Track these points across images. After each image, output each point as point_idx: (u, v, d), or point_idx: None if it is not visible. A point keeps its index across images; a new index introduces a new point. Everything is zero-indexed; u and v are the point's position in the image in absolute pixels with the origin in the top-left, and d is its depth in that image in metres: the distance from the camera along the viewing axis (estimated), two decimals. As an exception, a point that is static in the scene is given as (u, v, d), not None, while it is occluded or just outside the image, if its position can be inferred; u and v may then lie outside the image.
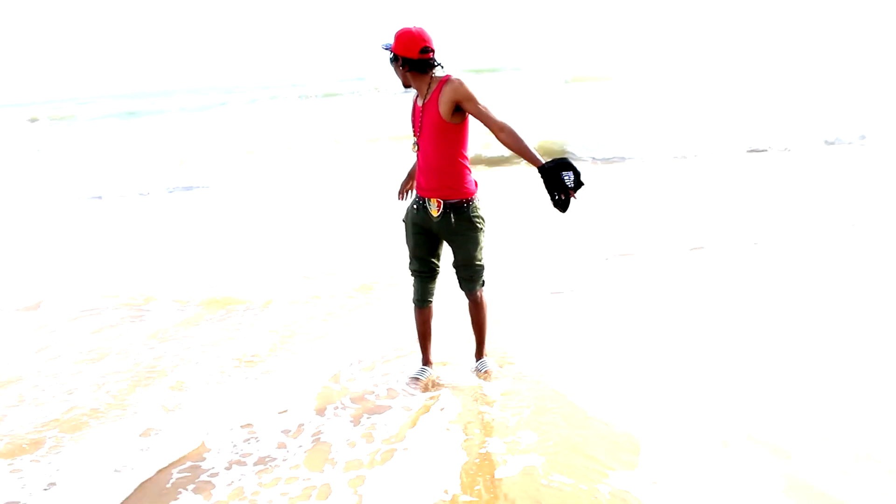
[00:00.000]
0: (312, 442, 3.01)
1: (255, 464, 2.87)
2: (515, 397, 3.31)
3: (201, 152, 13.61)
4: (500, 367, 3.61)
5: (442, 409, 3.23)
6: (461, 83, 3.01)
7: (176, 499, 2.67)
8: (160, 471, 2.86)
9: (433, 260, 3.39)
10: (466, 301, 3.46)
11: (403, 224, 3.39)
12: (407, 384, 3.49)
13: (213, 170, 11.63)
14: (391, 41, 3.11)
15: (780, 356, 3.61)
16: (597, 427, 3.00)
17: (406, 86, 3.19)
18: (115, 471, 2.87)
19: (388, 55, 3.14)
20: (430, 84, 3.12)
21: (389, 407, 3.28)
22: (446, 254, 3.40)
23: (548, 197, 2.91)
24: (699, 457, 2.74)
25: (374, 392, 3.44)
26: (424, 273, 3.41)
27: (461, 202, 3.18)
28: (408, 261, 3.43)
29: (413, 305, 3.50)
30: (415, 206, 3.30)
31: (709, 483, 2.57)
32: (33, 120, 26.49)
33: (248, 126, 18.41)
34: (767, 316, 4.16)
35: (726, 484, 2.57)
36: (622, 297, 4.63)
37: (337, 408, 3.31)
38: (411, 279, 3.47)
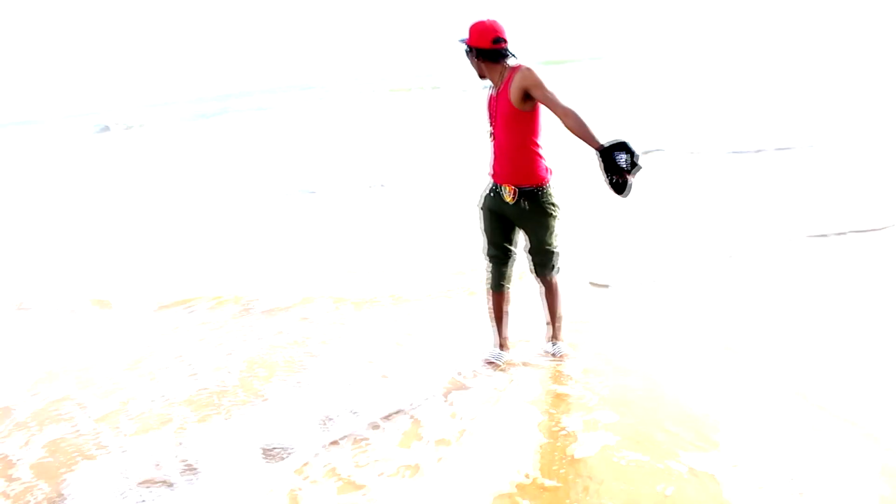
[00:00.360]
0: (406, 422, 3.17)
1: (353, 445, 3.06)
2: (592, 377, 3.39)
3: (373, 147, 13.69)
4: (574, 349, 3.69)
5: (519, 391, 3.33)
6: (530, 70, 3.07)
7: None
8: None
9: (508, 245, 3.49)
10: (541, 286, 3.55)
11: (479, 211, 3.48)
12: (483, 366, 3.61)
13: (391, 167, 11.13)
14: (466, 35, 3.19)
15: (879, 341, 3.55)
16: (676, 407, 3.07)
17: (481, 76, 3.27)
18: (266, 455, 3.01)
19: (464, 48, 3.22)
20: (502, 74, 3.19)
21: (471, 387, 3.41)
22: (522, 239, 3.48)
23: (605, 180, 2.92)
24: (784, 441, 2.77)
25: (461, 374, 3.56)
26: (500, 258, 3.51)
27: (534, 189, 3.25)
28: (484, 247, 3.53)
29: (489, 290, 3.61)
30: (490, 193, 3.40)
31: (794, 467, 2.61)
32: (103, 129, 27.24)
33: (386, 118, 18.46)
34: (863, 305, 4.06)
35: (814, 468, 2.59)
36: (709, 288, 4.61)
37: (429, 390, 3.43)
38: (488, 264, 3.57)
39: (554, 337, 3.67)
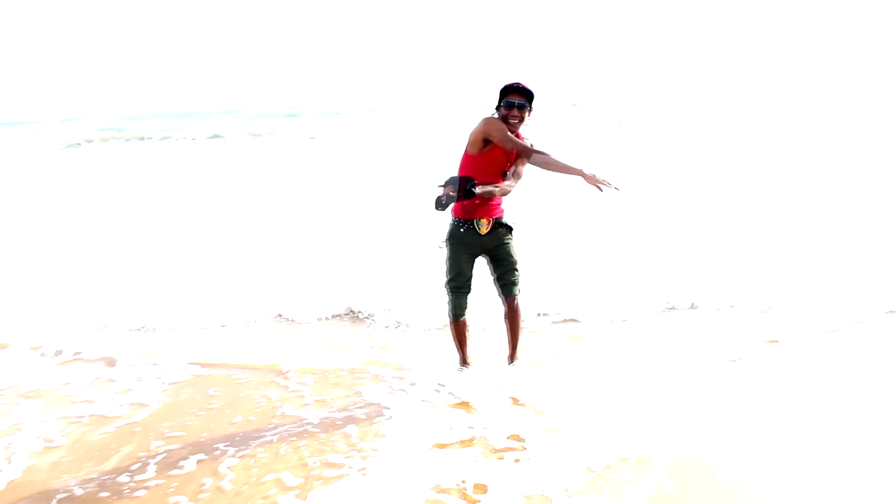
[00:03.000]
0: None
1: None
2: (553, 397, 3.79)
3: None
4: (531, 369, 4.09)
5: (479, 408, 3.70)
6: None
7: None
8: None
9: (470, 279, 3.96)
10: (504, 309, 3.96)
11: (449, 245, 3.89)
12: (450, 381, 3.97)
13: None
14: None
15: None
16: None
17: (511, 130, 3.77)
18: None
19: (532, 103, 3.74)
20: None
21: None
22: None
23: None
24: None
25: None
26: (463, 290, 3.95)
27: (500, 218, 3.88)
28: (448, 280, 3.93)
29: (451, 319, 4.02)
30: (461, 229, 3.82)
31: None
32: (88, 141, 25.01)
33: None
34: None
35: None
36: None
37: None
38: (448, 297, 3.97)
39: (512, 357, 4.08)
